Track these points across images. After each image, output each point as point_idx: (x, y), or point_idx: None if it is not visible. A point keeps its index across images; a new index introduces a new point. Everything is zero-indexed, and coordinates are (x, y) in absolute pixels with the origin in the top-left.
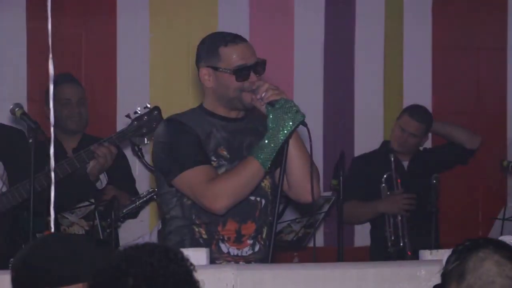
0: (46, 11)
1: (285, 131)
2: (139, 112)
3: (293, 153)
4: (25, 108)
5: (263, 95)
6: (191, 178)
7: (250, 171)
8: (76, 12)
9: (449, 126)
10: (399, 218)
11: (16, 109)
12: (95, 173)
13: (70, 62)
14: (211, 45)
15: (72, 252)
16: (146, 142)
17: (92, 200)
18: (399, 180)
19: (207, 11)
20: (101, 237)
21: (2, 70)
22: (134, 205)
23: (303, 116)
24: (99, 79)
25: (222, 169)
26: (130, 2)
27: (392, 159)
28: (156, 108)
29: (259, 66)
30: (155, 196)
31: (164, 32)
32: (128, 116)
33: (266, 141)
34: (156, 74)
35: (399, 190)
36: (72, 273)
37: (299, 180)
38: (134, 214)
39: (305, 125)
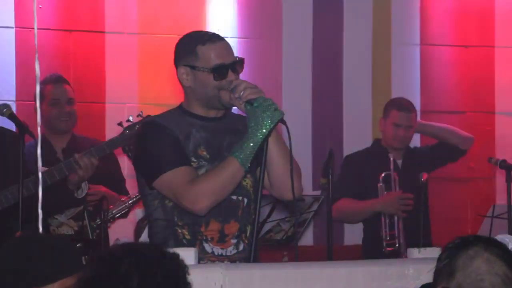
0: (33, 10)
1: (264, 130)
2: (131, 121)
3: (273, 150)
4: (14, 108)
5: (241, 93)
6: (171, 180)
7: (230, 171)
8: (63, 12)
9: (443, 130)
10: (396, 218)
11: (4, 109)
12: (75, 182)
13: (58, 62)
14: (189, 44)
15: (47, 250)
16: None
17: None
18: (396, 177)
19: (196, 10)
20: (90, 238)
21: None
22: (124, 205)
23: (282, 113)
24: (88, 79)
25: (203, 170)
26: (118, 1)
27: (392, 159)
28: (149, 117)
29: (237, 65)
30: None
31: (152, 31)
32: (120, 124)
33: (246, 140)
34: (144, 74)
35: (397, 191)
36: (51, 271)
37: (280, 178)
38: (124, 214)
39: (284, 122)
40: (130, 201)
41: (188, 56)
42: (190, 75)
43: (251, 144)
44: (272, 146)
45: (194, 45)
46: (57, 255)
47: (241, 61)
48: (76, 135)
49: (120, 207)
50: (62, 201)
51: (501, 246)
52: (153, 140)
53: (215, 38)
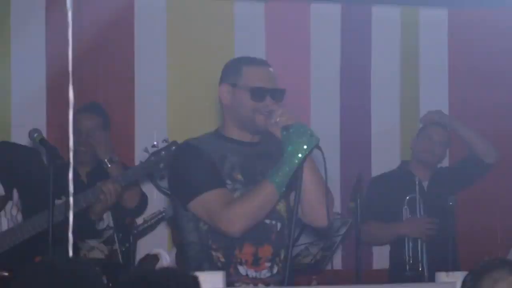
0: (66, 36)
1: (300, 155)
2: (156, 146)
3: (307, 177)
4: (45, 133)
5: (277, 119)
6: (206, 202)
7: (265, 195)
8: (93, 40)
9: (472, 132)
10: (419, 242)
11: (35, 134)
12: (98, 211)
13: (88, 87)
14: (236, 64)
15: (66, 276)
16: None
17: (111, 225)
18: (421, 200)
19: (224, 38)
20: (120, 261)
21: (23, 95)
22: (146, 224)
23: (317, 139)
24: (117, 104)
25: (237, 193)
26: (147, 29)
27: (417, 181)
28: (174, 143)
29: (278, 93)
30: (163, 215)
31: (181, 59)
32: (146, 150)
33: (281, 165)
34: (173, 100)
35: (421, 215)
36: None
37: (313, 205)
38: (151, 227)
39: (319, 148)
40: (152, 220)
41: (232, 75)
42: (230, 93)
43: (287, 169)
44: (306, 173)
45: (241, 64)
46: (77, 281)
47: (281, 91)
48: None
49: (143, 226)
50: (81, 231)
51: None
52: (189, 162)
53: (262, 63)
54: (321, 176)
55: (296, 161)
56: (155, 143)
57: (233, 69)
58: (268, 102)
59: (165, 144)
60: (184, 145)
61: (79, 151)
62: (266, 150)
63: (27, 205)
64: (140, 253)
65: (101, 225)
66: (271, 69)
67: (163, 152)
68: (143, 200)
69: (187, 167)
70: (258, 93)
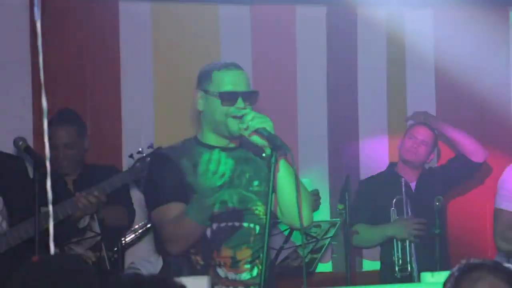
0: (46, 45)
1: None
2: (142, 152)
3: (282, 180)
4: (30, 141)
5: (248, 123)
6: (161, 215)
7: (190, 228)
8: (80, 45)
9: (459, 132)
10: (407, 243)
11: (20, 142)
12: (78, 218)
13: (75, 93)
14: (207, 70)
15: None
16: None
17: (98, 231)
18: (408, 202)
19: (210, 42)
20: (108, 267)
21: (8, 103)
22: (133, 234)
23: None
24: (104, 110)
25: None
26: (133, 35)
27: (403, 183)
28: (160, 149)
29: (250, 96)
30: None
31: (167, 64)
32: (131, 156)
33: (200, 199)
34: (160, 104)
35: (409, 216)
36: None
37: (289, 207)
38: (137, 240)
39: (285, 147)
40: (140, 230)
41: (204, 81)
42: (203, 99)
43: (207, 203)
44: (281, 176)
45: (211, 70)
46: (75, 276)
47: (254, 93)
48: (88, 165)
49: (131, 236)
50: (63, 231)
51: (506, 271)
52: (156, 172)
53: (232, 66)
54: (299, 179)
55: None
56: (140, 149)
57: (204, 75)
58: (240, 105)
59: (150, 150)
60: (155, 155)
61: (61, 164)
62: (243, 155)
63: (12, 213)
64: (128, 260)
65: (82, 223)
66: (243, 72)
67: (149, 159)
68: (131, 217)
69: (153, 178)
70: (227, 97)
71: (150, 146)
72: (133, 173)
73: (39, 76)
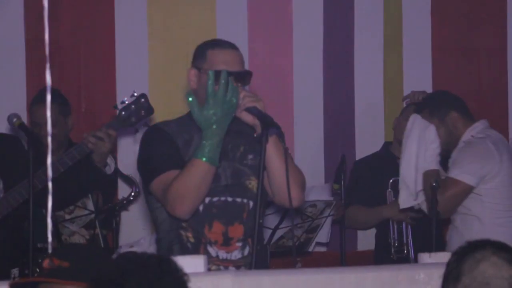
0: (43, 21)
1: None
2: (126, 102)
3: (272, 160)
4: (24, 118)
5: (239, 102)
6: (161, 183)
7: (199, 173)
8: (74, 22)
9: None
10: (404, 224)
11: (14, 119)
12: (98, 160)
13: (69, 72)
14: (202, 48)
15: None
16: (136, 132)
17: (92, 209)
18: None
19: (205, 18)
20: (102, 245)
21: (1, 80)
22: (124, 202)
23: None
24: (98, 88)
25: None
26: (127, 11)
27: (400, 163)
28: (143, 95)
29: (243, 76)
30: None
31: (162, 40)
32: (115, 106)
33: (208, 138)
34: (155, 82)
35: None
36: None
37: (280, 187)
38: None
39: (274, 125)
40: (125, 201)
41: (198, 59)
42: (197, 77)
43: (216, 139)
44: (271, 155)
45: (206, 48)
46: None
47: (247, 73)
48: (74, 142)
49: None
50: (94, 180)
51: (510, 251)
52: (151, 145)
53: (226, 45)
54: (291, 159)
55: (220, 131)
56: (124, 99)
57: (199, 53)
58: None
59: (134, 98)
60: (148, 128)
61: (43, 142)
62: (237, 128)
63: (9, 187)
64: (123, 238)
65: (108, 170)
66: (237, 51)
67: (133, 106)
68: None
69: (148, 150)
70: (219, 76)
71: (133, 95)
72: (120, 121)
73: (33, 53)
